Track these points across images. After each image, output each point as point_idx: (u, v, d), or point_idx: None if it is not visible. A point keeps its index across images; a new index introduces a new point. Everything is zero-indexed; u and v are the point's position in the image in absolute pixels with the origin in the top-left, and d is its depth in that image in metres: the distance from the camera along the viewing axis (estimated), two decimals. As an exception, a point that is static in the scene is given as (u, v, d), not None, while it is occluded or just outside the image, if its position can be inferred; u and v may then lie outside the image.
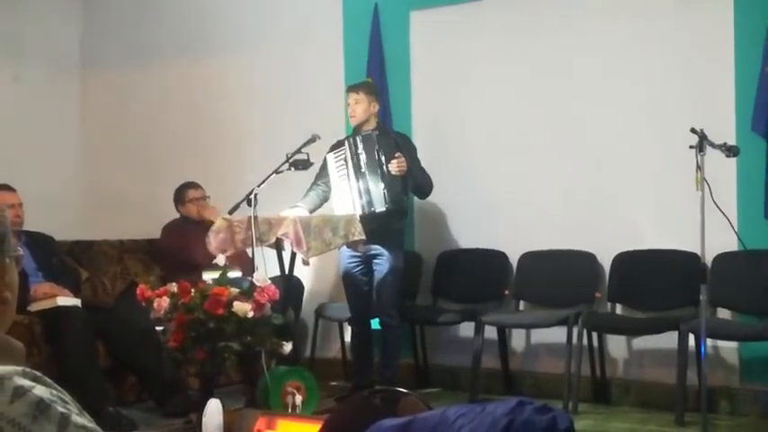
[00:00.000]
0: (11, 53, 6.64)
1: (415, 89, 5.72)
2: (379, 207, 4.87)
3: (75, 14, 7.07)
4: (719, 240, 4.50)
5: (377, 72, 5.69)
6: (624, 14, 5.10)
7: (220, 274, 4.32)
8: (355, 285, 5.09)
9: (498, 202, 5.44)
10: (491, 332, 5.20)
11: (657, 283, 4.90)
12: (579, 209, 5.18)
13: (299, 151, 4.81)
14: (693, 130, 4.15)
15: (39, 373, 1.17)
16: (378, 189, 4.87)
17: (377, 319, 5.10)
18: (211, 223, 5.02)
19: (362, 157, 4.91)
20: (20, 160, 6.26)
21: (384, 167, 4.85)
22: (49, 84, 6.85)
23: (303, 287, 5.66)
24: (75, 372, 4.40)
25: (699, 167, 4.10)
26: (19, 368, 1.15)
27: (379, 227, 4.86)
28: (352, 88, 5.13)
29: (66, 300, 4.69)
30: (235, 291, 4.07)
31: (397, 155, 4.85)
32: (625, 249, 5.02)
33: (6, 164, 5.98)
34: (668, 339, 4.78)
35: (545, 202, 5.29)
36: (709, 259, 4.42)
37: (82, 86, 7.09)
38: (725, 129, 4.60)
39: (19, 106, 6.61)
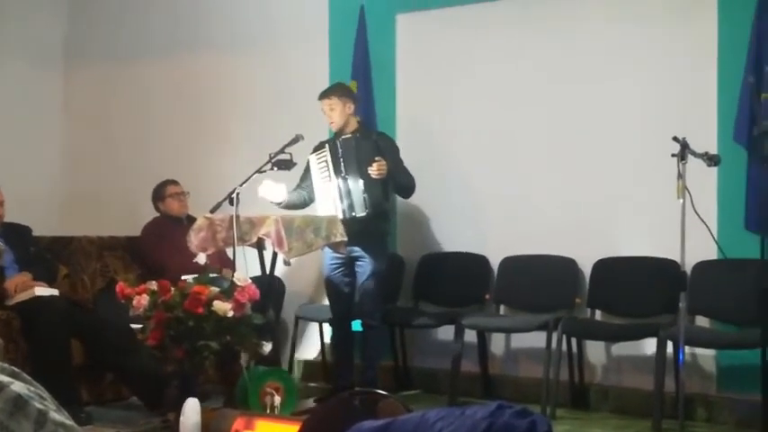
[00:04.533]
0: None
1: (401, 91, 5.73)
2: (360, 212, 4.88)
3: (59, 10, 7.03)
4: (699, 249, 4.53)
5: (362, 74, 5.69)
6: (608, 23, 5.13)
7: (201, 274, 4.30)
8: (337, 287, 5.09)
9: (481, 206, 5.45)
10: (471, 336, 5.21)
11: (637, 289, 4.92)
12: (560, 214, 5.20)
13: (282, 151, 4.80)
14: (675, 139, 4.18)
15: (17, 369, 1.17)
16: (358, 193, 4.88)
17: (358, 321, 5.09)
18: (192, 221, 5.00)
19: (343, 161, 4.92)
20: (0, 155, 6.21)
21: (364, 172, 4.85)
22: (31, 79, 6.81)
23: (284, 287, 5.64)
24: (48, 363, 4.36)
25: (680, 176, 4.13)
26: (-3, 364, 1.14)
27: (362, 230, 4.86)
28: (323, 95, 5.11)
29: (45, 290, 4.67)
30: (215, 290, 4.05)
31: (377, 159, 4.85)
32: (605, 256, 5.04)
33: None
34: (647, 346, 4.81)
35: (527, 207, 5.31)
36: (688, 267, 4.45)
37: (65, 82, 7.05)
38: (707, 138, 4.63)
39: (0, 101, 6.55)
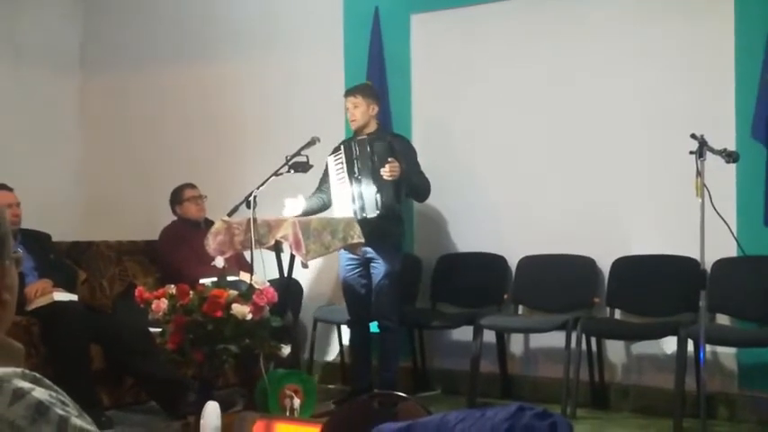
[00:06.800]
0: (11, 54, 6.63)
1: (416, 92, 5.72)
2: (371, 213, 4.87)
3: (75, 16, 7.07)
4: (719, 246, 4.49)
5: (377, 75, 5.68)
6: (626, 21, 5.10)
7: (219, 277, 4.32)
8: (354, 289, 5.08)
9: (498, 205, 5.43)
10: (490, 336, 5.19)
11: (656, 288, 4.89)
12: (579, 213, 5.18)
13: (298, 154, 4.81)
14: (694, 136, 4.15)
15: (38, 375, 1.17)
16: (370, 195, 4.87)
17: (375, 323, 5.09)
18: (210, 225, 5.01)
19: (357, 162, 4.91)
20: (19, 161, 6.25)
21: (377, 173, 4.85)
22: (48, 85, 6.85)
23: (302, 290, 5.64)
24: (67, 368, 4.38)
25: (699, 173, 4.10)
26: (18, 370, 1.15)
27: (374, 231, 4.84)
28: (349, 92, 5.13)
29: (63, 295, 4.69)
30: (233, 293, 4.06)
31: (389, 160, 4.84)
32: (624, 254, 5.02)
33: (6, 164, 5.98)
34: (667, 345, 4.79)
35: (545, 206, 5.29)
36: (708, 265, 4.42)
37: (81, 88, 7.08)
38: (725, 135, 4.59)
39: (19, 107, 6.60)
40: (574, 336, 4.77)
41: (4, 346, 1.26)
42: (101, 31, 7.02)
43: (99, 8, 7.05)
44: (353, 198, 4.91)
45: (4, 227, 1.29)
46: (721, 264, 4.68)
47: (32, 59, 6.75)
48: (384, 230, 4.92)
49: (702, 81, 4.85)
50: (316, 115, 5.78)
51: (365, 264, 5.02)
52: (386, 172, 4.82)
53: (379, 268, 4.97)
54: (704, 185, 4.10)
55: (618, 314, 5.03)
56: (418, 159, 5.14)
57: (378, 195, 4.86)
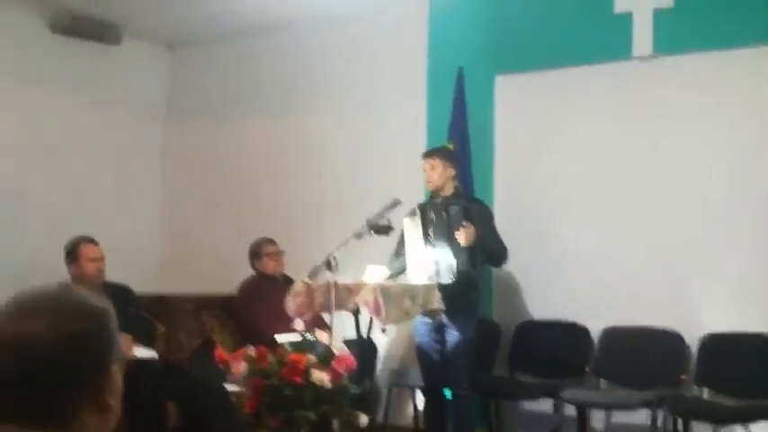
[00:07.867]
0: (98, 103, 6.77)
1: (499, 154, 5.65)
2: (445, 278, 4.78)
3: (163, 67, 7.20)
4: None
5: (459, 136, 5.62)
6: (716, 81, 4.96)
7: (298, 337, 4.26)
8: (428, 354, 4.98)
9: (581, 273, 5.29)
10: (569, 408, 5.02)
11: (749, 368, 4.68)
12: (666, 284, 5.01)
13: (380, 216, 4.76)
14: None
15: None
16: (445, 260, 4.79)
17: (449, 390, 4.97)
18: (287, 281, 4.98)
19: (432, 225, 4.85)
20: (102, 210, 6.34)
21: (452, 237, 4.77)
22: (133, 135, 6.97)
23: (377, 350, 5.56)
24: (144, 427, 4.35)
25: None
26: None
27: (448, 297, 4.74)
28: (427, 154, 5.09)
29: (143, 351, 4.68)
30: (312, 359, 4.00)
31: (464, 224, 4.75)
32: (713, 330, 4.82)
33: (89, 214, 6.07)
34: (761, 429, 4.55)
35: (630, 275, 5.13)
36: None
37: (166, 139, 7.20)
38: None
39: (103, 156, 6.72)
40: (660, 414, 4.58)
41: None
42: (187, 83, 7.14)
43: (186, 60, 7.18)
44: (429, 263, 4.83)
45: (112, 331, 1.27)
46: (820, 346, 4.47)
47: (119, 109, 6.89)
48: (459, 296, 4.81)
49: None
50: (397, 176, 5.75)
51: (440, 329, 4.92)
52: (460, 237, 4.74)
53: (453, 335, 4.86)
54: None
55: (706, 393, 4.81)
56: (498, 223, 5.04)
57: (453, 261, 4.77)
